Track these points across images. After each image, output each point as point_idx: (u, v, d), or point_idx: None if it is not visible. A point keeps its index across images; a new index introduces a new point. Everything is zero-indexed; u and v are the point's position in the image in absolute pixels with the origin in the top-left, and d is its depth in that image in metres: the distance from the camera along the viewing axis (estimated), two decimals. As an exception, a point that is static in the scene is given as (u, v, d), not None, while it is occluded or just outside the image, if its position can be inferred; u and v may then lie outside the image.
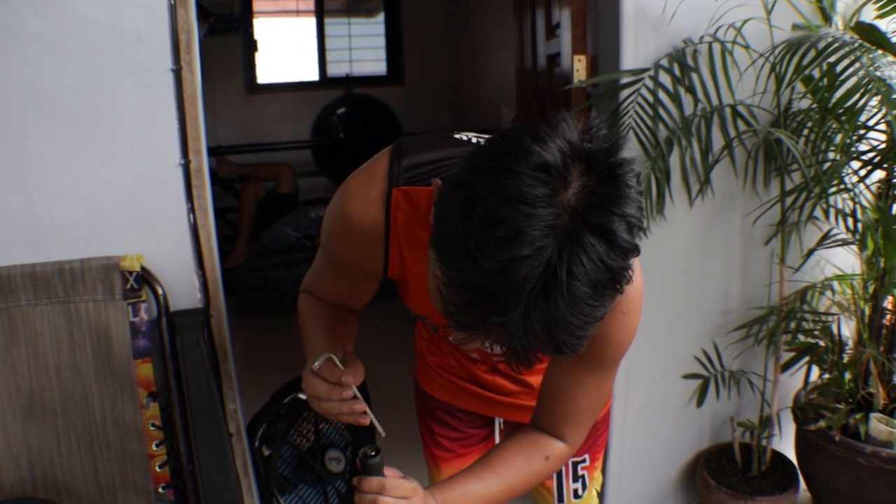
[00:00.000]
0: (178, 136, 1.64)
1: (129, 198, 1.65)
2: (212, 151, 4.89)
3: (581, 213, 0.75)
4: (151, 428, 1.67)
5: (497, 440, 1.61)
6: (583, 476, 1.56)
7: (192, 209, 1.68)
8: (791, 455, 2.43)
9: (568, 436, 1.18)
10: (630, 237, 0.77)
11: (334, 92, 5.63)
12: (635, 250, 0.79)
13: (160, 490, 1.70)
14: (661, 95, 2.06)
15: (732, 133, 2.12)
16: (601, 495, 2.42)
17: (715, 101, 2.09)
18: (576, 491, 1.57)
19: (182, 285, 1.70)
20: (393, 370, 2.84)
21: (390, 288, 1.25)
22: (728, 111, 2.11)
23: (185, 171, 1.66)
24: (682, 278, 2.29)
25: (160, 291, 1.65)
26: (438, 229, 0.83)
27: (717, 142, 2.13)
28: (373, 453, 1.02)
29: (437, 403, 1.57)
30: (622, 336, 1.09)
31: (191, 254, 1.69)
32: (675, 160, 2.11)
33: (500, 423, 1.60)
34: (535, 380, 1.45)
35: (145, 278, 1.64)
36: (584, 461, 1.55)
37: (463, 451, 1.59)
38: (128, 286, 1.62)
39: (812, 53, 1.91)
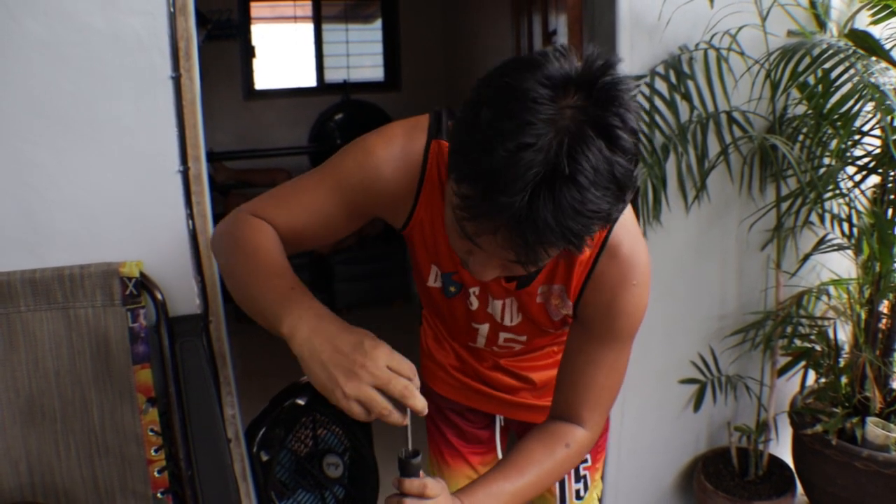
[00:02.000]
0: (178, 142, 1.64)
1: (128, 204, 1.66)
2: (209, 157, 4.90)
3: (582, 111, 0.82)
4: (150, 433, 1.68)
5: (497, 438, 1.62)
6: (584, 476, 1.57)
7: (190, 215, 1.68)
8: (788, 459, 2.44)
9: (587, 419, 1.19)
10: (630, 138, 0.83)
11: (332, 98, 5.62)
12: (635, 154, 0.84)
13: (159, 495, 1.70)
14: (657, 102, 2.07)
15: (728, 139, 2.13)
16: (600, 501, 2.43)
17: (711, 108, 2.11)
18: (577, 492, 1.58)
19: (181, 291, 1.70)
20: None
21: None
22: (724, 117, 2.12)
23: (184, 178, 1.66)
24: (679, 284, 2.30)
25: (159, 297, 1.65)
26: (454, 138, 0.88)
27: (713, 148, 2.14)
28: (412, 455, 1.01)
29: (445, 402, 1.59)
30: (634, 307, 1.12)
31: (189, 260, 1.70)
32: (671, 166, 2.12)
33: (500, 421, 1.62)
34: (537, 375, 1.47)
35: (144, 284, 1.65)
36: (585, 461, 1.56)
37: (467, 451, 1.62)
38: (127, 292, 1.63)
39: (807, 60, 1.92)
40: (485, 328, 1.33)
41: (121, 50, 1.58)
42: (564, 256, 1.12)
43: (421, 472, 1.03)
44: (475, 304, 1.26)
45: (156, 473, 1.70)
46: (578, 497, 1.59)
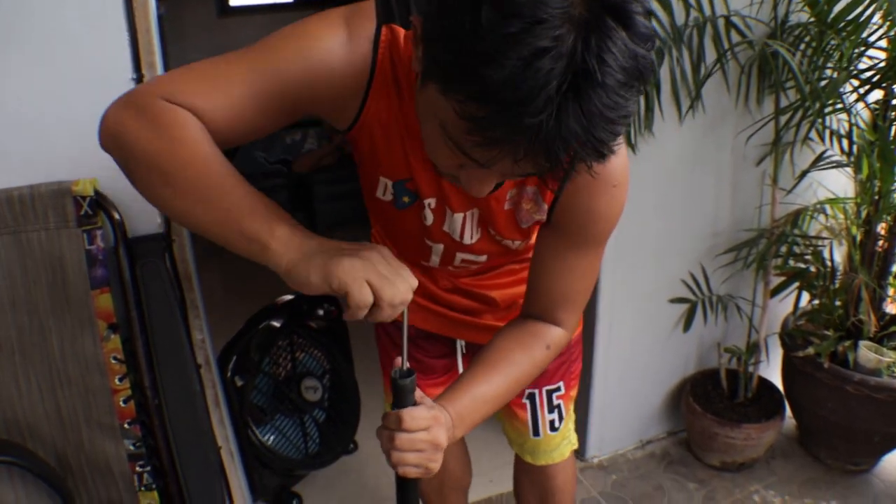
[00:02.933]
0: (130, 49, 1.51)
1: (79, 118, 1.52)
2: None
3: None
4: (113, 361, 1.59)
5: (460, 366, 1.53)
6: (558, 406, 1.50)
7: (147, 128, 1.56)
8: (778, 382, 2.41)
9: (564, 320, 1.15)
10: (646, 21, 0.72)
11: (308, 13, 5.42)
12: (653, 39, 0.73)
13: (126, 426, 1.63)
14: (652, 3, 1.94)
15: (726, 45, 2.01)
16: (584, 423, 2.39)
17: (708, 11, 1.98)
18: (552, 422, 1.51)
19: (140, 210, 1.59)
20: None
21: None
22: (722, 22, 1.99)
23: (138, 87, 1.53)
24: (671, 198, 2.21)
25: (116, 217, 1.54)
26: (440, 49, 0.74)
27: (710, 55, 2.02)
28: (404, 374, 0.96)
29: (396, 328, 1.48)
30: (612, 210, 1.05)
31: (149, 176, 1.58)
32: (665, 73, 2.00)
33: (461, 347, 1.53)
34: (499, 294, 1.38)
35: (100, 203, 1.54)
36: (558, 389, 1.49)
37: (423, 383, 1.52)
38: (82, 212, 1.52)
39: (813, -40, 1.80)
40: (439, 247, 1.22)
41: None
42: None
43: (417, 392, 0.99)
44: (430, 218, 1.14)
45: (121, 403, 1.62)
46: (553, 428, 1.51)
